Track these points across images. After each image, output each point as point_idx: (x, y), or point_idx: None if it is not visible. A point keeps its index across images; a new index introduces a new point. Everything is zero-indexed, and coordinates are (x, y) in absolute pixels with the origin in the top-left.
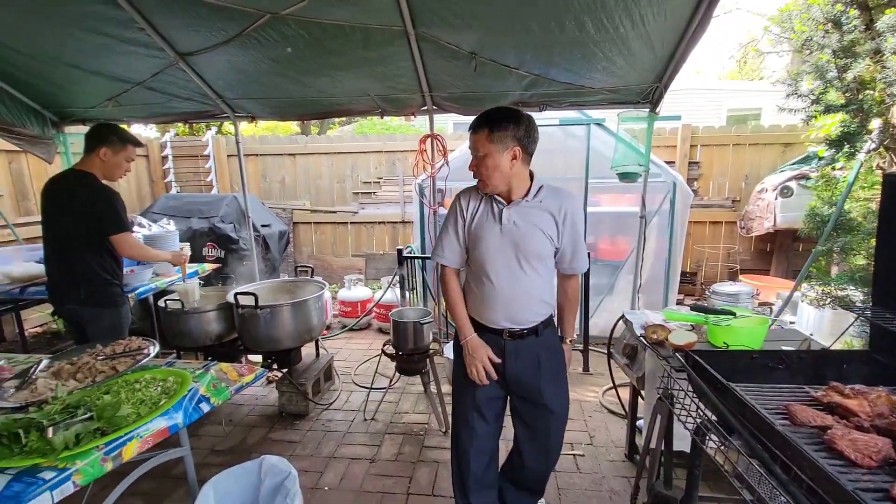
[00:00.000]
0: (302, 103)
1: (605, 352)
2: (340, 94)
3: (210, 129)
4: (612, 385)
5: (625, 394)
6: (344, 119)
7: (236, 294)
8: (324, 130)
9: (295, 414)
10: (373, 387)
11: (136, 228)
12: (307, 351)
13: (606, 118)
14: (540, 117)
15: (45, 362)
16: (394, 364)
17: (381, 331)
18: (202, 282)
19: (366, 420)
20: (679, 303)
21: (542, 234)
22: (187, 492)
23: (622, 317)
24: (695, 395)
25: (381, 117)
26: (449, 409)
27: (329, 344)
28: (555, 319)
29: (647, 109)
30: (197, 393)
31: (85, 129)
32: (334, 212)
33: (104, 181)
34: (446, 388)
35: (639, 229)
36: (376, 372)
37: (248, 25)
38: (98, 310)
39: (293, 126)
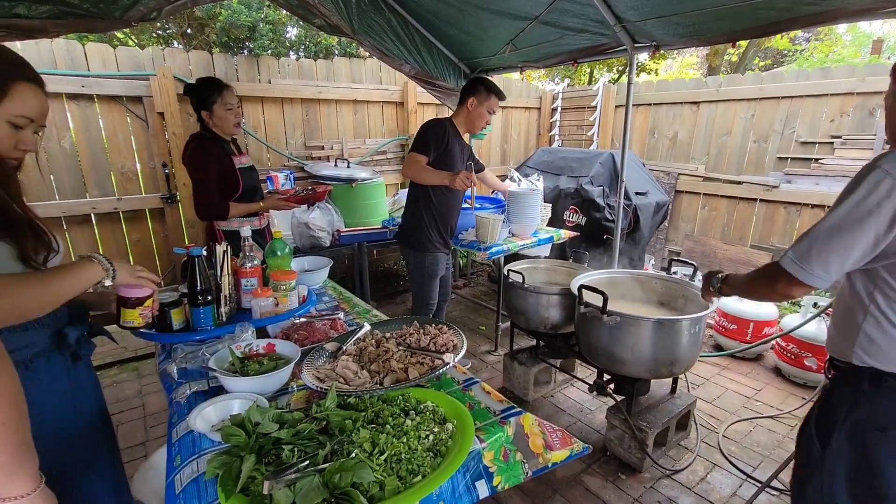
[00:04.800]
0: (736, 13)
1: None
2: None
3: (603, 77)
4: None
5: None
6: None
7: (581, 286)
8: (743, 70)
9: (622, 461)
10: (751, 477)
11: (507, 182)
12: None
13: None
14: None
15: (365, 329)
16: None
17: (778, 373)
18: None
19: None
20: None
21: None
22: None
23: None
24: None
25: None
26: None
27: (692, 369)
28: None
29: None
30: (479, 461)
31: None
32: (739, 182)
33: (466, 133)
34: None
35: None
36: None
37: None
38: (405, 249)
39: (699, 71)
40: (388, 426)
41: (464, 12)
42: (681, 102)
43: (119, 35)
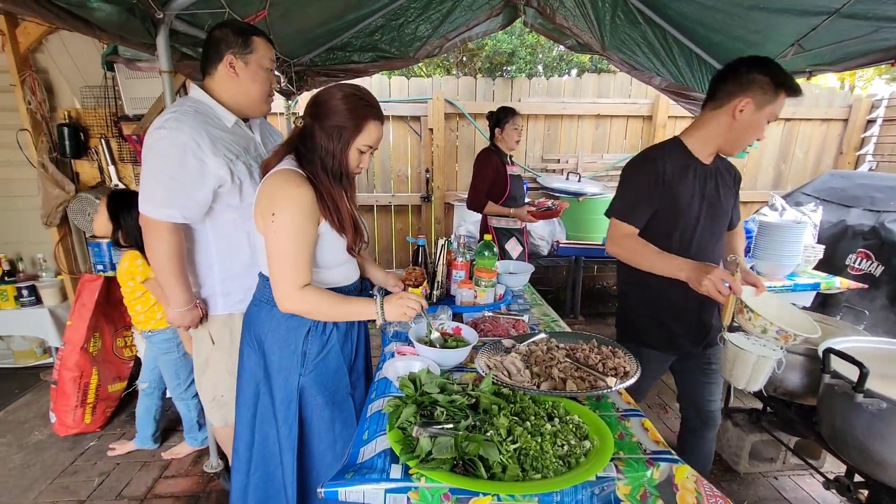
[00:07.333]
0: None
1: None
2: None
3: None
4: None
5: None
6: None
7: (828, 350)
8: None
9: None
10: None
11: (765, 210)
12: None
13: None
14: None
15: (541, 336)
16: None
17: None
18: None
19: None
20: None
21: None
22: None
23: None
24: None
25: None
26: None
27: None
28: None
29: None
30: (610, 490)
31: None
32: None
33: (717, 153)
34: None
35: None
36: None
37: None
38: (617, 331)
39: None
40: (527, 422)
41: (733, 17)
42: None
43: (415, 68)
